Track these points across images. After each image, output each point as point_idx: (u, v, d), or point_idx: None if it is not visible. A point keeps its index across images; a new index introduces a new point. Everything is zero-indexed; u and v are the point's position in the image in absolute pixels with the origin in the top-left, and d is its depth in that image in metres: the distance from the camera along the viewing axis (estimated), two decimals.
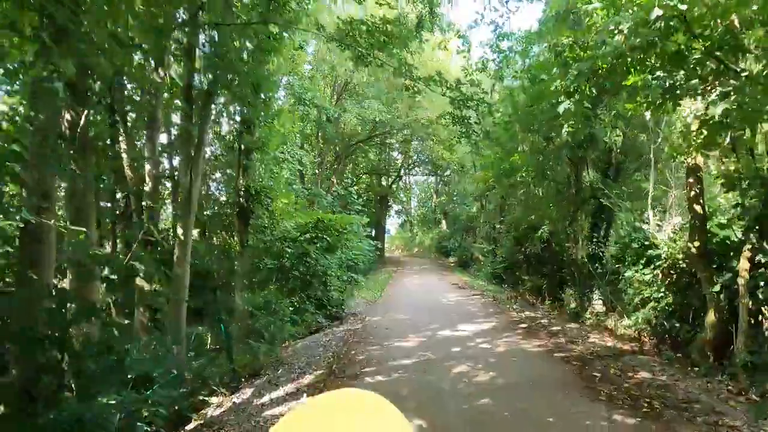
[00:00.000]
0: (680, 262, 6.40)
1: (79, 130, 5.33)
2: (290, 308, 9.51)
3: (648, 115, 6.26)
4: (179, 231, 8.27)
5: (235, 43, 8.21)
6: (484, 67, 9.72)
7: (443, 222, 32.87)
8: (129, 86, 9.55)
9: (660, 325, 6.57)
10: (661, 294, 6.62)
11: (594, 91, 5.38)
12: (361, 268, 18.48)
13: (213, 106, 9.71)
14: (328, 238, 11.75)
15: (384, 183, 30.71)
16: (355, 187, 25.72)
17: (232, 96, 9.46)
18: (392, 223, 42.16)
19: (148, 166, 9.07)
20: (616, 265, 8.05)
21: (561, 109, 5.44)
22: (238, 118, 10.68)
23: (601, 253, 8.09)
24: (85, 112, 5.36)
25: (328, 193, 19.47)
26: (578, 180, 8.47)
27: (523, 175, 9.04)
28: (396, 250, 39.90)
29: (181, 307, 7.92)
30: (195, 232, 11.39)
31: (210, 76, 8.72)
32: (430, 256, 32.08)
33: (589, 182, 8.40)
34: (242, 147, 10.59)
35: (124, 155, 9.68)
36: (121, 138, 9.75)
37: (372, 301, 12.71)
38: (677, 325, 6.30)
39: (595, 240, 8.18)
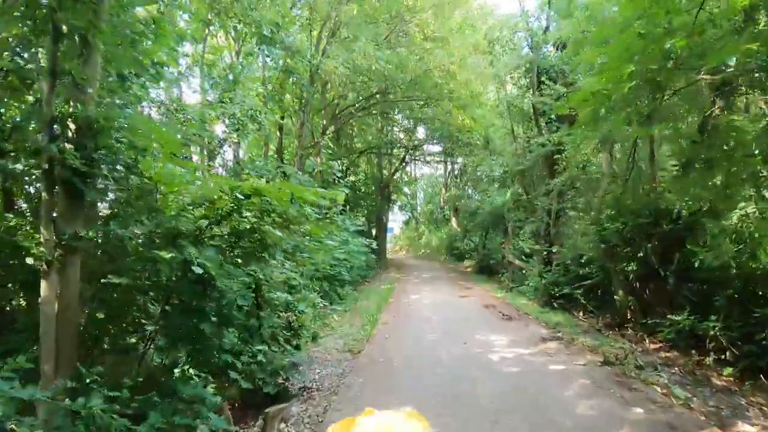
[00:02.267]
0: None
1: None
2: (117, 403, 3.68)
3: None
4: None
5: None
6: None
7: (453, 219, 27.64)
8: None
9: None
10: None
11: None
12: (348, 279, 12.63)
13: None
14: (274, 230, 5.76)
15: (386, 172, 24.99)
16: (347, 173, 19.82)
17: None
18: (396, 221, 36.98)
19: None
20: None
21: None
22: None
23: None
24: None
25: (307, 174, 13.55)
26: None
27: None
28: (400, 250, 34.97)
29: None
30: None
31: None
32: (439, 259, 26.77)
33: None
34: (55, 25, 4.75)
35: None
36: None
37: (354, 349, 6.83)
38: None
39: None
